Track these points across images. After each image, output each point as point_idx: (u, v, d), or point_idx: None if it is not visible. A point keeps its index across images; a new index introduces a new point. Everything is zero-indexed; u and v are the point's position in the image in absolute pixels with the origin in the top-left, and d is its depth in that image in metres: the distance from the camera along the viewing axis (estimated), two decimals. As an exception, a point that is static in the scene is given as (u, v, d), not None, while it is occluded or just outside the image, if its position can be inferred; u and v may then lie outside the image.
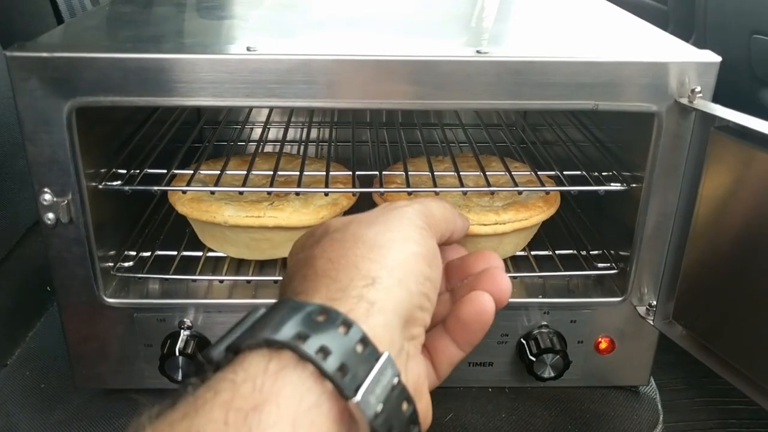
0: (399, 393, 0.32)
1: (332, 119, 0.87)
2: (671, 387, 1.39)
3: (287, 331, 0.31)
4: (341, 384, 0.30)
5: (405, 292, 0.36)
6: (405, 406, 0.33)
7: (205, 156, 0.71)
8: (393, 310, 0.35)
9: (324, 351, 0.30)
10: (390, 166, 0.75)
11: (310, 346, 0.30)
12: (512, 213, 0.64)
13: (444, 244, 0.45)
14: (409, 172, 0.66)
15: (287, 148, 0.84)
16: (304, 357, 0.30)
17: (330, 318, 0.32)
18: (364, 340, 0.32)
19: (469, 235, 0.64)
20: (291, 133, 0.92)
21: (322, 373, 0.30)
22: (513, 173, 0.67)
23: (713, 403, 1.34)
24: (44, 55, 0.50)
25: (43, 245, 0.61)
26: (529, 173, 0.69)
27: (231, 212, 0.62)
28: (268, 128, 0.87)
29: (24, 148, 0.53)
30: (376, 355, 0.32)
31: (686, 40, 0.58)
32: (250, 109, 0.90)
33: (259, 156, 0.73)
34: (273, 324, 0.31)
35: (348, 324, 0.32)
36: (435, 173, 0.65)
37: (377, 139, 0.79)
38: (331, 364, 0.30)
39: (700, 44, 0.66)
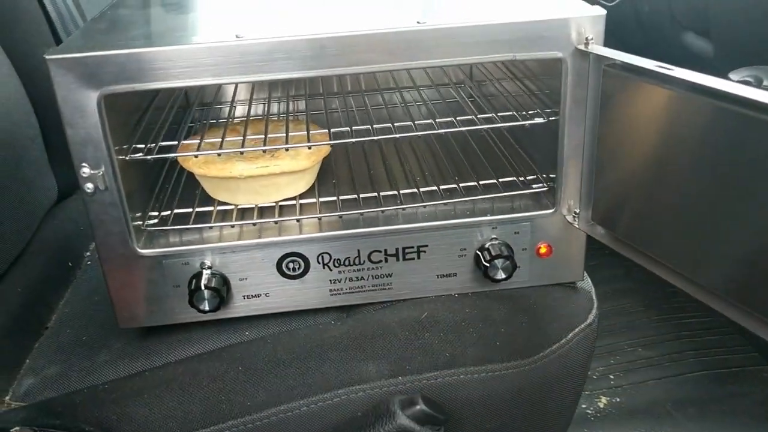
0: None
1: (306, 91, 1.00)
2: (631, 309, 1.53)
3: None
4: None
5: None
6: None
7: (204, 129, 0.84)
8: None
9: None
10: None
11: None
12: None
13: None
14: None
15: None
16: None
17: None
18: None
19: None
20: (273, 108, 1.04)
21: None
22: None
23: (669, 319, 1.48)
24: (77, 55, 0.61)
25: (59, 224, 0.70)
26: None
27: (243, 167, 0.75)
28: (252, 104, 1.00)
29: (64, 132, 0.64)
30: None
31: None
32: (235, 90, 1.02)
33: (249, 122, 0.85)
34: None
35: None
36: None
37: (347, 106, 0.93)
38: None
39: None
